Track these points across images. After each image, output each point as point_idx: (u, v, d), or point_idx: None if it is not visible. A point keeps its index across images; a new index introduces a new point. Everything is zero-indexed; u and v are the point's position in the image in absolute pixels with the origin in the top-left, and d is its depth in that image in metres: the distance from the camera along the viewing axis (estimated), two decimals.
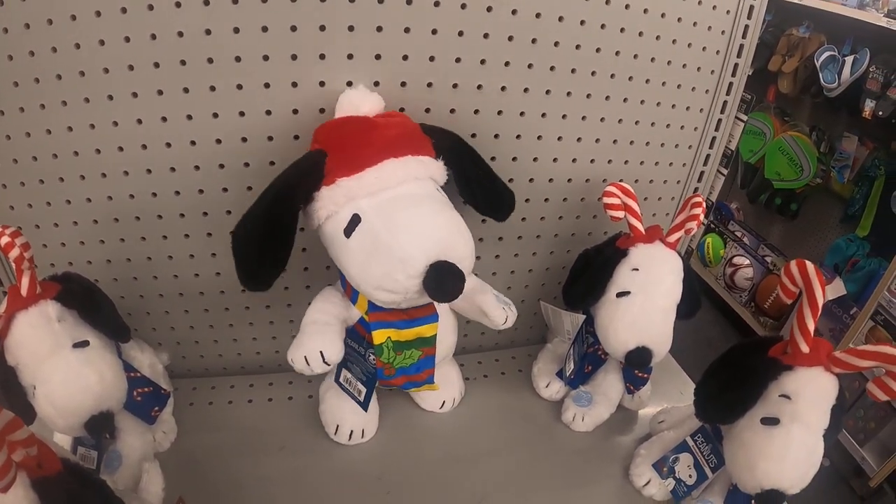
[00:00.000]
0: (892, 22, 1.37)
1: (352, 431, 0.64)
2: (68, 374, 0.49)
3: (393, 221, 0.48)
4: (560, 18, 0.59)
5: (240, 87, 0.56)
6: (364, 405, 0.62)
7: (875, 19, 1.39)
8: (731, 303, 1.86)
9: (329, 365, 0.53)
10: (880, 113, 1.40)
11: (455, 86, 0.60)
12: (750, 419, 0.52)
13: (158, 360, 0.66)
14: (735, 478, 0.54)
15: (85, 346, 0.51)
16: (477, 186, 0.58)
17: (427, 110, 0.61)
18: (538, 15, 0.59)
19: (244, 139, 0.59)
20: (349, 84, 0.57)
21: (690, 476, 0.60)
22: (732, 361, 0.56)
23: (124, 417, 0.57)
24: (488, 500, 0.60)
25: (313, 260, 0.67)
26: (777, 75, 1.67)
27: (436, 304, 0.54)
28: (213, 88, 0.56)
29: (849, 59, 1.45)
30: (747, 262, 1.81)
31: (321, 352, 0.53)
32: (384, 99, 0.57)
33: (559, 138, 0.66)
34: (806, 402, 0.50)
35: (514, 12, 0.58)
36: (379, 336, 0.54)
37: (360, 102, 0.54)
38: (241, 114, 0.57)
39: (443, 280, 0.46)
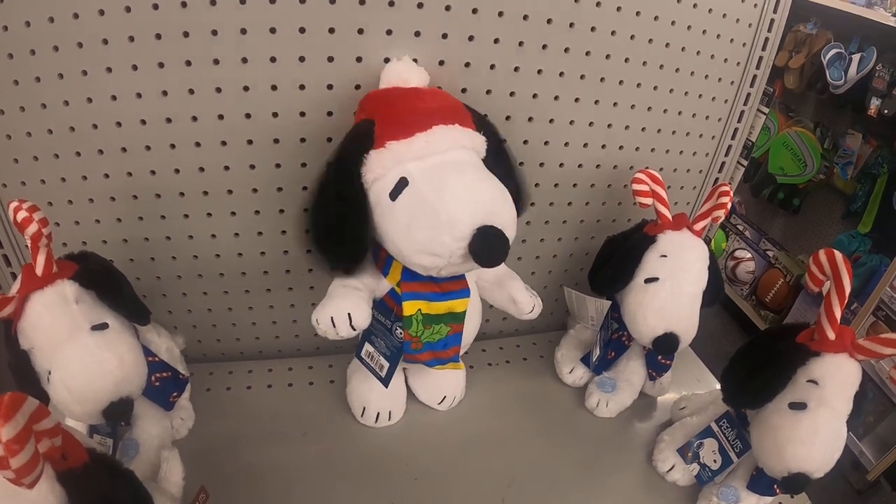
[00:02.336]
0: None
1: (378, 413, 0.64)
2: (87, 358, 0.47)
3: (441, 185, 0.48)
4: (598, 4, 0.60)
5: (273, 59, 0.55)
6: (385, 381, 0.61)
7: (883, 18, 1.42)
8: (733, 296, 1.90)
9: (355, 330, 0.52)
10: (885, 111, 1.43)
11: (492, 66, 0.61)
12: (778, 404, 0.54)
13: (175, 344, 0.65)
14: (762, 462, 0.55)
15: (104, 328, 0.49)
16: (504, 168, 0.56)
17: (463, 90, 0.61)
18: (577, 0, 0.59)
19: (275, 114, 0.58)
20: (386, 60, 0.56)
21: (715, 461, 0.62)
22: (760, 347, 0.58)
23: (141, 404, 0.56)
24: (515, 485, 0.61)
25: None
26: (783, 71, 1.70)
27: (467, 280, 0.55)
28: (244, 60, 0.55)
29: (855, 57, 1.49)
30: (749, 255, 1.85)
31: (349, 314, 0.52)
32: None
33: (590, 124, 0.67)
34: (833, 387, 0.52)
35: None
36: (409, 307, 0.54)
37: (409, 75, 0.55)
38: (274, 87, 0.57)
39: (489, 244, 0.47)
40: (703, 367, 0.81)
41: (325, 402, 0.68)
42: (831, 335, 0.54)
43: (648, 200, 0.65)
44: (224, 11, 0.52)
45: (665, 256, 0.63)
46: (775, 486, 0.58)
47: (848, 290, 0.56)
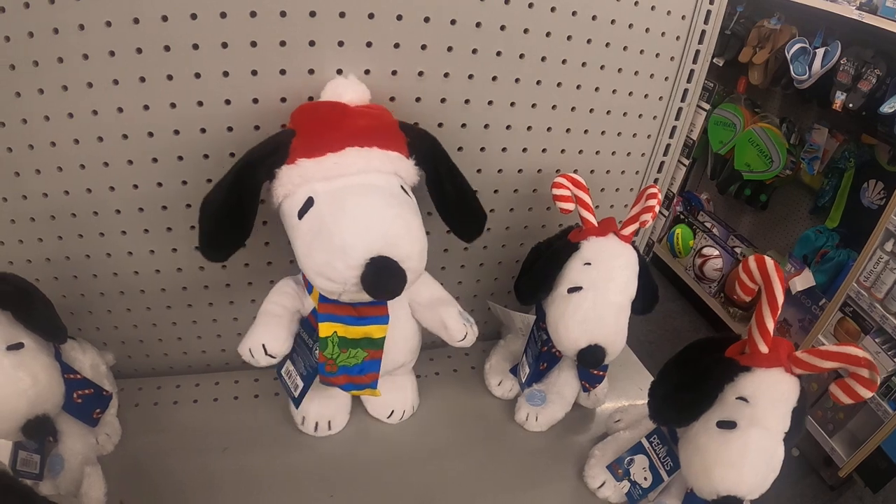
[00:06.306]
0: (863, 15, 1.28)
1: (317, 423, 0.59)
2: (1, 378, 0.45)
3: (340, 208, 0.44)
4: (506, 1, 0.52)
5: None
6: (297, 401, 0.56)
7: (847, 12, 1.30)
8: (701, 293, 1.79)
9: (274, 357, 0.50)
10: (850, 105, 1.32)
11: (394, 73, 0.53)
12: (705, 422, 0.47)
13: (102, 361, 0.61)
14: (691, 482, 0.48)
15: (19, 348, 0.47)
16: (447, 197, 0.52)
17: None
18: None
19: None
20: (339, 72, 0.52)
21: (646, 479, 0.54)
22: (688, 361, 0.51)
23: (66, 420, 0.53)
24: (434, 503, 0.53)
25: (255, 256, 0.60)
26: (748, 67, 1.59)
27: (389, 307, 0.50)
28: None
29: (820, 52, 1.36)
30: (717, 252, 1.74)
31: (263, 345, 0.49)
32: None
33: (507, 127, 0.59)
34: (764, 405, 0.45)
35: None
36: (325, 329, 0.50)
37: (344, 91, 0.50)
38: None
39: (379, 275, 0.42)
40: (647, 375, 0.72)
41: (248, 417, 0.62)
42: (763, 348, 0.47)
43: (570, 206, 0.56)
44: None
45: (589, 264, 0.55)
46: None
47: (780, 299, 0.47)
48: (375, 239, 0.42)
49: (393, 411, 0.61)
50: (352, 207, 0.44)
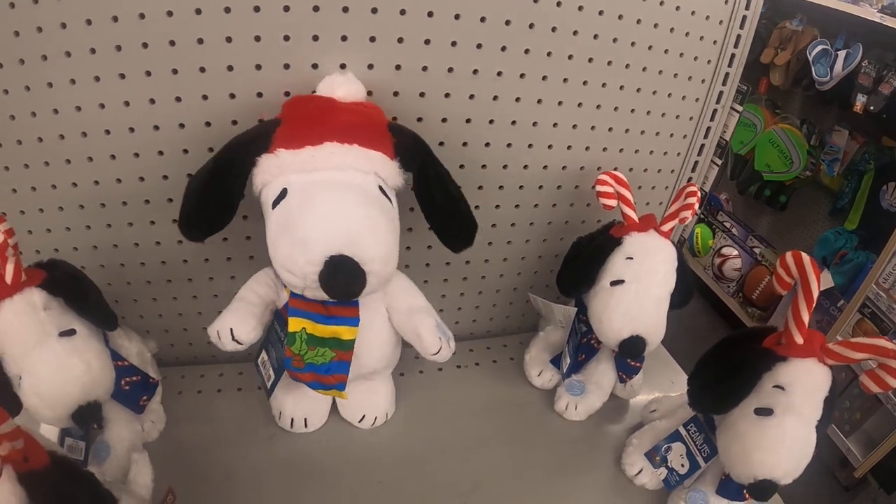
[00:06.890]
0: (885, 17, 1.34)
1: (293, 419, 0.61)
2: (55, 363, 0.47)
3: (308, 202, 0.45)
4: (559, 4, 0.57)
5: (230, 68, 0.53)
6: (268, 393, 0.58)
7: (869, 14, 1.36)
8: (719, 293, 1.84)
9: (241, 343, 0.52)
10: (871, 108, 1.37)
11: (450, 70, 0.57)
12: (744, 409, 0.51)
13: (146, 348, 0.64)
14: (728, 468, 0.52)
15: (71, 334, 0.49)
16: (435, 204, 0.52)
17: (422, 94, 0.58)
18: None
19: (234, 122, 0.56)
20: (342, 66, 0.54)
21: (683, 465, 0.59)
22: (727, 351, 0.55)
23: (112, 407, 0.56)
24: (479, 490, 0.58)
25: None
26: (769, 67, 1.64)
27: (363, 311, 0.51)
28: (202, 70, 0.53)
29: (841, 54, 1.42)
30: (736, 252, 1.78)
31: (231, 329, 0.51)
32: (378, 82, 0.54)
33: (554, 125, 0.64)
34: (800, 393, 0.49)
35: None
36: (294, 324, 0.50)
37: (337, 86, 0.52)
38: (232, 96, 0.55)
39: (335, 275, 0.43)
40: (678, 369, 0.77)
41: None
42: (799, 339, 0.51)
43: (613, 202, 0.61)
44: (180, 20, 0.50)
45: (631, 259, 0.60)
46: (745, 492, 0.54)
47: (816, 293, 0.52)
48: (337, 237, 0.43)
49: (364, 416, 0.62)
50: (319, 202, 0.45)
